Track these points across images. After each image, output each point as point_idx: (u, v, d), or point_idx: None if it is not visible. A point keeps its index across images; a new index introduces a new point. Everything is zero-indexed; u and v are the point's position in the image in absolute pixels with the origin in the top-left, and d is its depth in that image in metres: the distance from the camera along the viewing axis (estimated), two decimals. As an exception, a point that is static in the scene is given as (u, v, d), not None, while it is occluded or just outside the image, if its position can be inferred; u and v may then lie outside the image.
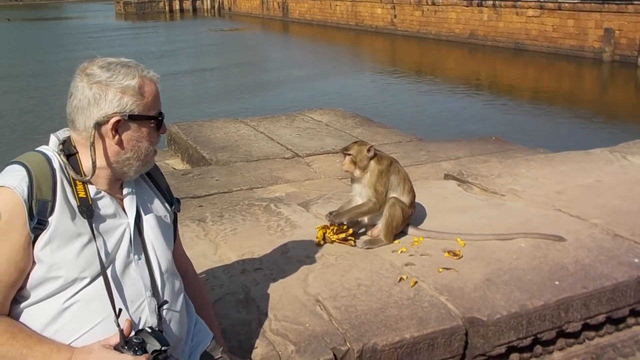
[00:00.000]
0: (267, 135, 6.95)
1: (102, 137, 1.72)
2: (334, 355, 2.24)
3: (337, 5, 36.84)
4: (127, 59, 1.78)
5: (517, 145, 6.54)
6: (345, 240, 3.02)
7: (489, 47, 26.14)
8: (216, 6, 59.05)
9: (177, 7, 59.57)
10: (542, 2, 24.05)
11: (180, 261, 2.13)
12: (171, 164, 6.96)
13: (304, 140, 6.72)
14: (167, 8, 59.11)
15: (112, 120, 1.69)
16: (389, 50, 30.08)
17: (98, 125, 1.69)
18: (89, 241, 1.68)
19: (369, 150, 3.03)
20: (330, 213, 3.09)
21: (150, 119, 1.76)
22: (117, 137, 1.72)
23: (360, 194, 3.09)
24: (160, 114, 1.79)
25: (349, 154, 3.05)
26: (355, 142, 3.13)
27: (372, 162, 3.04)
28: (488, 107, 16.40)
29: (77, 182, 1.71)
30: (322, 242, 3.04)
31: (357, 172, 3.05)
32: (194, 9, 59.10)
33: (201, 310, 2.12)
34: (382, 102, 16.14)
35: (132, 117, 1.71)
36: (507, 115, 15.15)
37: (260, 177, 5.50)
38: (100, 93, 1.68)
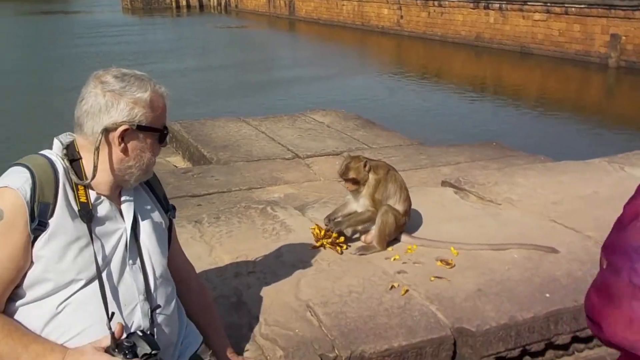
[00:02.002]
0: (268, 135, 6.97)
1: (109, 144, 1.76)
2: (322, 361, 2.26)
3: (343, 5, 36.81)
4: (141, 72, 1.85)
5: (517, 152, 6.53)
6: (333, 245, 3.04)
7: (495, 49, 26.08)
8: (223, 3, 59.04)
9: (184, 3, 59.55)
10: (548, 6, 23.97)
11: (181, 267, 2.17)
12: (172, 161, 6.99)
13: (305, 141, 6.74)
14: (173, 4, 59.06)
15: (121, 129, 1.74)
16: (395, 50, 30.04)
17: (106, 132, 1.74)
18: (87, 245, 1.72)
19: (365, 166, 3.05)
20: (329, 219, 3.11)
21: (156, 131, 1.82)
22: (122, 145, 1.77)
23: (358, 202, 3.11)
24: (165, 128, 1.86)
25: (350, 179, 3.06)
26: (348, 163, 3.08)
27: (370, 174, 3.07)
28: (492, 111, 16.37)
29: (79, 186, 1.76)
30: (318, 243, 3.06)
31: (360, 188, 3.08)
32: (201, 5, 59.09)
33: (204, 314, 2.16)
34: (386, 103, 16.13)
35: (140, 128, 1.77)
36: (510, 119, 15.13)
37: (259, 177, 5.52)
38: (113, 101, 1.73)
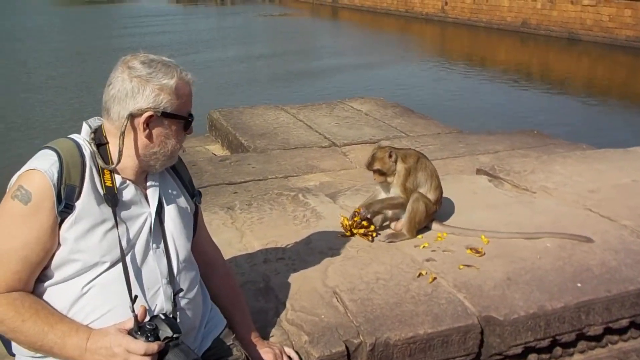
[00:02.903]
0: (306, 123, 6.99)
1: (134, 129, 1.79)
2: (346, 347, 2.27)
3: (387, -9, 36.43)
4: (169, 58, 1.86)
5: (558, 140, 6.39)
6: (365, 235, 3.04)
7: (541, 36, 25.45)
8: (267, -9, 59.06)
9: (229, -9, 59.79)
10: (599, -9, 23.27)
11: (208, 251, 2.20)
12: (211, 149, 7.08)
13: (343, 130, 6.73)
14: (218, -8, 59.41)
15: (146, 115, 1.76)
16: (439, 38, 29.63)
17: (131, 117, 1.77)
18: (112, 228, 1.76)
19: (390, 156, 3.03)
20: (356, 213, 3.10)
21: (181, 119, 1.84)
22: (147, 131, 1.79)
23: (389, 192, 3.11)
24: (191, 115, 1.87)
25: (375, 170, 3.06)
26: (374, 154, 3.08)
27: (398, 163, 3.05)
28: (537, 99, 16.01)
29: (105, 171, 1.79)
30: (348, 233, 3.06)
31: (389, 179, 3.07)
32: (245, -6, 59.19)
33: (230, 298, 2.19)
34: (427, 92, 15.93)
35: (165, 115, 1.79)
36: (556, 108, 14.76)
37: (296, 165, 5.54)
38: (139, 87, 1.75)
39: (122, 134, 1.77)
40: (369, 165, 3.07)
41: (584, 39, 23.71)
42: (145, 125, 1.78)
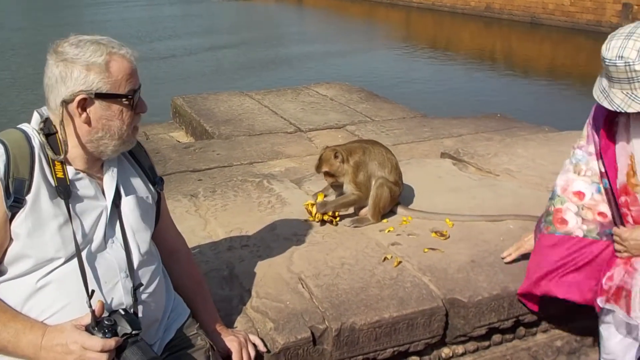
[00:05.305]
0: (271, 109, 6.93)
1: (71, 116, 1.70)
2: (312, 333, 2.26)
3: (352, -24, 36.27)
4: (102, 36, 1.73)
5: (522, 123, 6.46)
6: (325, 222, 3.02)
7: (504, 20, 25.70)
8: (231, -24, 58.32)
9: (192, -24, 58.91)
10: (560, -25, 23.54)
11: (170, 239, 2.14)
12: (175, 136, 6.97)
13: (308, 115, 6.70)
14: (181, -23, 58.45)
15: (78, 99, 1.66)
16: (404, 23, 29.68)
17: (65, 104, 1.67)
18: (65, 222, 1.68)
19: (336, 157, 3.02)
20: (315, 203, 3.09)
21: (120, 97, 1.71)
22: (84, 115, 1.69)
23: (344, 187, 3.10)
24: (134, 92, 1.73)
25: (324, 172, 3.06)
26: (321, 155, 3.07)
27: (345, 163, 3.03)
28: (501, 82, 16.18)
29: (56, 162, 1.71)
30: (311, 218, 3.04)
31: (340, 179, 3.06)
32: (209, -21, 58.37)
33: (193, 287, 2.14)
34: (392, 76, 15.95)
35: (99, 95, 1.67)
36: (519, 91, 14.94)
37: (261, 151, 5.49)
38: (66, 71, 1.65)
39: (61, 122, 1.67)
40: (317, 168, 3.08)
41: (545, 23, 24.01)
42: (80, 110, 1.68)
